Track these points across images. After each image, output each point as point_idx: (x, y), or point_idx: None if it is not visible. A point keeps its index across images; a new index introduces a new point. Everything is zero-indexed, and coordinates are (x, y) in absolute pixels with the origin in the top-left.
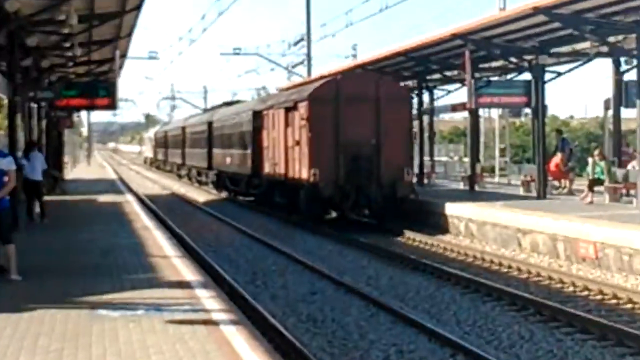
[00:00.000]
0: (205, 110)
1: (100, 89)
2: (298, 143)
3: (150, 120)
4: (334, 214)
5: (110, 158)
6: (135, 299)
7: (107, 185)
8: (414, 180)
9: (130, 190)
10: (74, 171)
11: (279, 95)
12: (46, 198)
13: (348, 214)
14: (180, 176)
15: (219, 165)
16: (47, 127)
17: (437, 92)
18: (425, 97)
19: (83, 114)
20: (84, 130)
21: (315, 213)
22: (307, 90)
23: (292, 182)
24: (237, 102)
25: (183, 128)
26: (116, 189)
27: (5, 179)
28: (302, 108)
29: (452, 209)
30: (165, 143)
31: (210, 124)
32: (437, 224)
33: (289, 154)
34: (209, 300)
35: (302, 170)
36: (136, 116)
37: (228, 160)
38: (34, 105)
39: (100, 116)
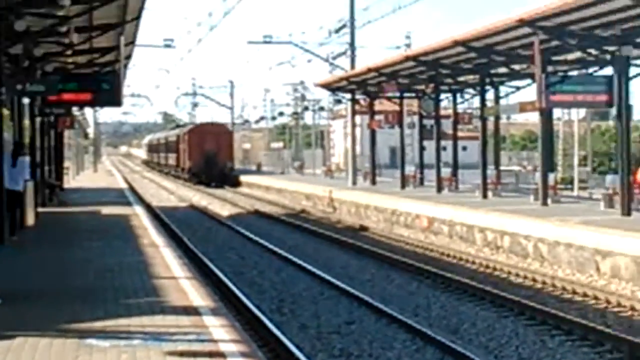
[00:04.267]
0: (177, 127)
1: (103, 82)
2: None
3: (168, 119)
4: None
5: (121, 164)
6: (132, 327)
7: (114, 196)
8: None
9: (142, 200)
10: (76, 179)
11: (186, 126)
12: (41, 210)
13: (204, 180)
14: (160, 171)
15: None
16: (42, 126)
17: (503, 89)
18: (490, 94)
19: (89, 112)
20: (91, 132)
21: (192, 180)
22: (190, 127)
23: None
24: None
25: (159, 139)
26: (124, 199)
27: None
28: (188, 134)
29: (517, 225)
30: (151, 149)
31: (167, 138)
32: (496, 243)
33: (183, 155)
34: (219, 330)
35: (187, 162)
36: (152, 115)
37: (171, 159)
38: (26, 102)
39: (109, 115)
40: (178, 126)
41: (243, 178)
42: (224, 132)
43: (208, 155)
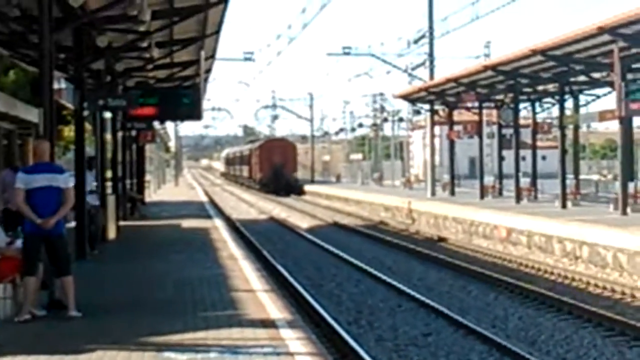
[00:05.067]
0: (250, 142)
1: (183, 96)
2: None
3: (248, 132)
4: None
5: (202, 177)
6: (209, 340)
7: (194, 209)
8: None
9: (221, 213)
10: (158, 192)
11: (257, 142)
12: (122, 223)
13: (272, 190)
14: (236, 182)
15: (247, 173)
16: (124, 141)
17: (583, 98)
18: (569, 103)
19: (170, 126)
20: (172, 146)
21: (262, 189)
22: (260, 142)
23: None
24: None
25: (235, 153)
26: (204, 213)
27: (63, 198)
28: (259, 150)
29: (596, 235)
30: (228, 162)
31: (242, 152)
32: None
33: (255, 168)
34: (296, 342)
35: (258, 173)
36: (232, 128)
37: (245, 171)
38: (108, 116)
39: (191, 129)
40: (251, 141)
41: (307, 188)
42: (289, 147)
43: (276, 167)
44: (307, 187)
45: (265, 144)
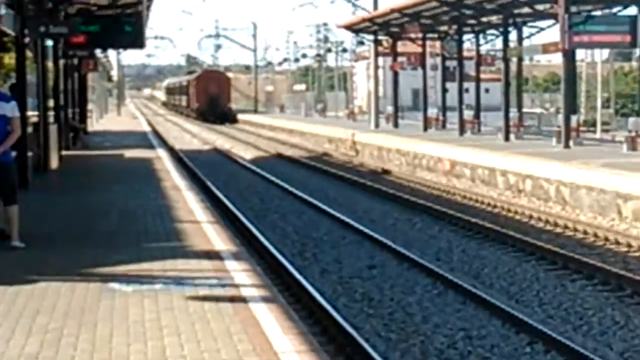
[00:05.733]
0: (188, 73)
1: (126, 24)
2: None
3: (191, 62)
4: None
5: (145, 107)
6: (154, 271)
7: (137, 139)
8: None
9: (165, 144)
10: (100, 122)
11: (193, 74)
12: (65, 153)
13: (209, 118)
14: (176, 111)
15: (185, 103)
16: (66, 69)
17: (527, 30)
18: (513, 35)
19: (112, 55)
20: (114, 75)
21: (200, 117)
22: (197, 74)
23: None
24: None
25: (175, 83)
26: (147, 143)
27: (9, 127)
28: (196, 81)
29: (539, 169)
30: (169, 92)
31: (181, 82)
32: (518, 186)
33: (192, 98)
34: (241, 274)
35: (195, 103)
36: (175, 58)
37: (183, 101)
38: (50, 44)
39: (133, 58)
40: (189, 73)
41: (250, 118)
42: (224, 79)
43: (211, 97)
44: (250, 118)
45: (201, 76)
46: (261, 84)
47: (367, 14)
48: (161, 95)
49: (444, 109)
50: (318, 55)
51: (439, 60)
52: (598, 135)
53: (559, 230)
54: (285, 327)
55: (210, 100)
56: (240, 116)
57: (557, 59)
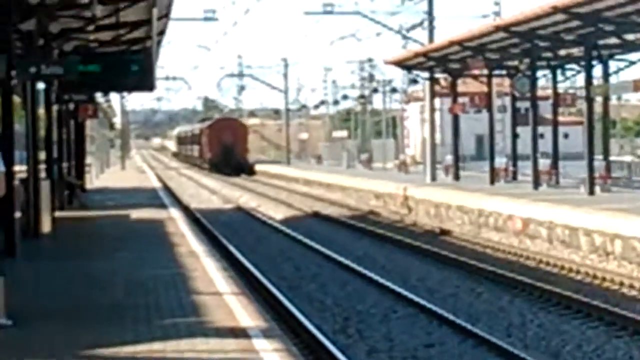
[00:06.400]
0: (201, 120)
1: (132, 63)
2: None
3: (209, 106)
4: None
5: (154, 159)
6: (168, 353)
7: (145, 197)
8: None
9: (178, 202)
10: (101, 178)
11: (205, 123)
12: (58, 214)
13: (223, 170)
14: (187, 162)
15: (197, 153)
16: (60, 116)
17: (614, 64)
18: (597, 70)
19: (115, 99)
20: (117, 122)
21: (213, 169)
22: (210, 122)
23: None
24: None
25: (186, 132)
26: (158, 201)
27: None
28: (208, 129)
29: (631, 227)
30: (180, 141)
31: (193, 131)
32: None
33: (205, 147)
34: (272, 355)
35: (208, 153)
36: (190, 101)
37: (195, 151)
38: (41, 87)
39: (140, 102)
40: (202, 120)
41: (258, 167)
42: (239, 127)
43: (226, 147)
44: (280, 171)
45: (215, 124)
46: (293, 130)
47: (420, 47)
48: (172, 145)
49: (515, 157)
50: (362, 96)
51: (507, 100)
52: None
53: None
54: None
55: (224, 150)
56: (267, 168)
57: None
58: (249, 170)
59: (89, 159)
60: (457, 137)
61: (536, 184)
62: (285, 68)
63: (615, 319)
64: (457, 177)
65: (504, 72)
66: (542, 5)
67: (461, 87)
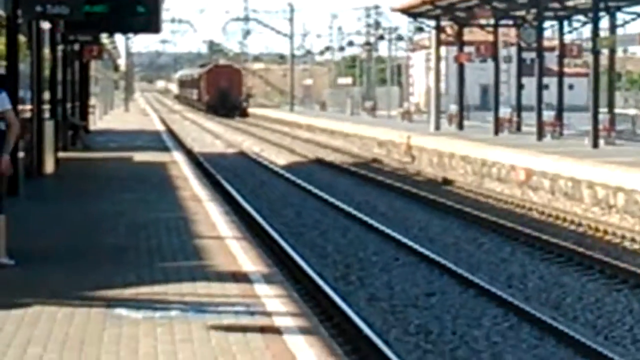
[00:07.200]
0: (201, 66)
1: (138, 4)
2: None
3: (214, 49)
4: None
5: (157, 101)
6: (169, 295)
7: (149, 140)
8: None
9: (182, 145)
10: (104, 119)
11: (204, 68)
12: (62, 155)
13: (219, 112)
14: (187, 104)
15: (196, 96)
16: (65, 56)
17: (621, 16)
18: (604, 22)
19: (120, 40)
20: (122, 64)
21: (210, 111)
22: (208, 67)
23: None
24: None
25: (187, 76)
26: (161, 144)
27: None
28: (206, 74)
29: (634, 180)
30: (181, 84)
31: (192, 75)
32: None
33: (203, 91)
34: (274, 300)
35: (206, 96)
36: (195, 44)
37: (194, 94)
38: (47, 27)
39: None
40: (202, 65)
41: (260, 112)
42: (235, 72)
43: (222, 91)
44: (283, 116)
45: (212, 69)
46: (298, 76)
47: None
48: (175, 88)
49: (519, 108)
50: (367, 43)
51: (513, 51)
52: None
53: None
54: None
55: (220, 94)
56: (272, 113)
57: None
58: (242, 113)
59: (92, 100)
60: (462, 86)
61: (540, 135)
62: (291, 13)
63: (616, 272)
64: (461, 126)
65: (510, 22)
66: None
67: (467, 36)
